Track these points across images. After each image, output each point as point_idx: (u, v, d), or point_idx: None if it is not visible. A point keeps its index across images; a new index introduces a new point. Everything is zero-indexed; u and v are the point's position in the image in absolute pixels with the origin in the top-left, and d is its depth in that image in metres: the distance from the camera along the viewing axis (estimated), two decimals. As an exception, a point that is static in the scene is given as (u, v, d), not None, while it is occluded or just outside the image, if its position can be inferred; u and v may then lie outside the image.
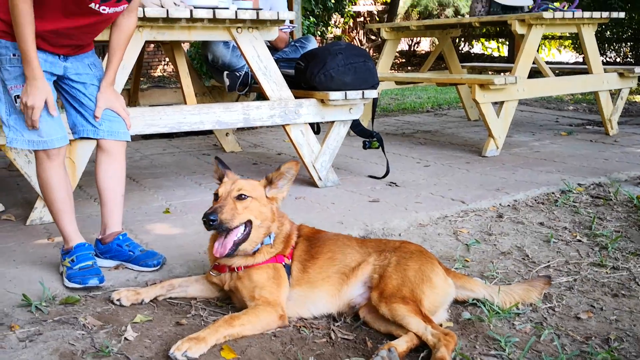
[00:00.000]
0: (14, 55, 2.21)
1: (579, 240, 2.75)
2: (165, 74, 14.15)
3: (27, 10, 2.12)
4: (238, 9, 3.28)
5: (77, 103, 2.44)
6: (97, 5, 2.24)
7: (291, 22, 4.58)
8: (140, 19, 2.97)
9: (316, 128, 3.85)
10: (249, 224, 2.02)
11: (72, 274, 2.25)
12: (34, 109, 2.20)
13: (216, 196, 2.06)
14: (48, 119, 2.27)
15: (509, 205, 3.30)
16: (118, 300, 2.12)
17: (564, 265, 2.47)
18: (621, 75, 5.28)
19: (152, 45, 12.22)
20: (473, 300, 2.08)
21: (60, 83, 2.43)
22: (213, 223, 1.95)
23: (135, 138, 5.61)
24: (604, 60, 11.31)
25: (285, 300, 1.99)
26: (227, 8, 3.24)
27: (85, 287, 2.22)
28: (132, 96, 4.98)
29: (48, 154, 2.31)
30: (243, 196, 2.02)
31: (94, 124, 2.44)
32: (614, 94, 5.51)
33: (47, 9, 2.19)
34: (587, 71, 5.29)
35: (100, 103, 2.43)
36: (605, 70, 5.24)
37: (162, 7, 3.08)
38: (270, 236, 2.07)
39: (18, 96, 2.22)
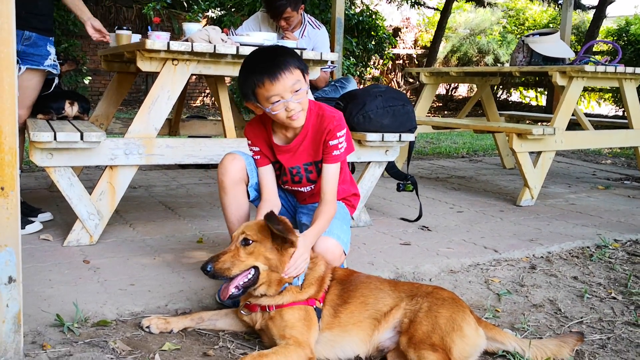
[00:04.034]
0: None
1: (614, 298, 2.69)
2: (204, 104, 14.46)
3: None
4: (283, 47, 3.35)
5: None
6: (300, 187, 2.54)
7: (332, 62, 4.66)
8: (187, 52, 3.07)
9: (351, 167, 3.87)
10: (256, 268, 1.99)
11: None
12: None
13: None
14: None
15: (542, 257, 3.25)
16: (148, 327, 2.14)
17: (598, 323, 2.42)
18: (663, 131, 5.21)
19: (194, 77, 12.52)
20: (503, 352, 2.05)
21: None
22: (208, 273, 1.94)
23: (173, 167, 5.73)
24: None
25: (314, 343, 1.97)
26: (272, 46, 3.31)
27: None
28: (173, 126, 5.10)
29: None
30: (247, 241, 2.00)
31: None
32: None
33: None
34: (626, 125, 5.24)
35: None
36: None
37: (210, 42, 3.17)
38: (298, 277, 2.05)
39: None
